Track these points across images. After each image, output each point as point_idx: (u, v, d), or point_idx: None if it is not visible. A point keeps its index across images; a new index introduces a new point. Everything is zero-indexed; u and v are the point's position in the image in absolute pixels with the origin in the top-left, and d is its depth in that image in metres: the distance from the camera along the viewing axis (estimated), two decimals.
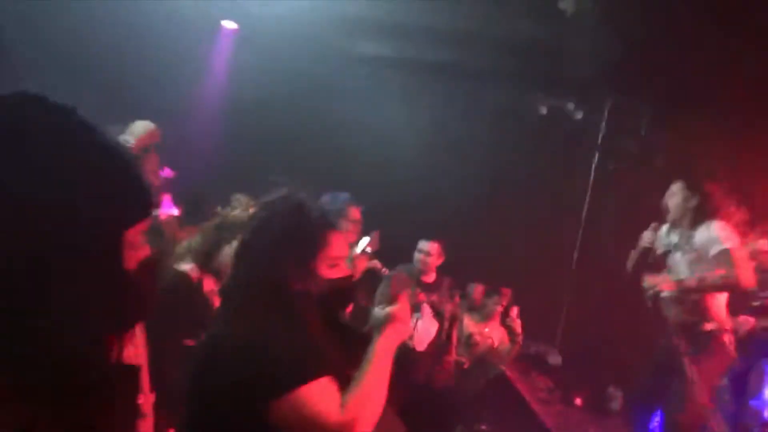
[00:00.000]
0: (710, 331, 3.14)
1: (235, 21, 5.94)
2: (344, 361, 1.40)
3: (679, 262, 3.30)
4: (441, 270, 4.38)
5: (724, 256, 3.02)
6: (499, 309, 4.73)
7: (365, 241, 3.10)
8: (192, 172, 5.44)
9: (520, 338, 4.72)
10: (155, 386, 1.82)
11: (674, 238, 3.38)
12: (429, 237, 4.30)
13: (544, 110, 5.83)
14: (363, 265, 3.04)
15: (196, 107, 6.02)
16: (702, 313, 3.20)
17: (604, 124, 5.58)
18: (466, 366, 4.24)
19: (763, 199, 4.75)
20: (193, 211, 3.45)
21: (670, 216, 3.36)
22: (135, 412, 1.97)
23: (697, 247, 3.19)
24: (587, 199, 5.59)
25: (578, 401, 5.12)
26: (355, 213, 3.31)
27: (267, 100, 5.84)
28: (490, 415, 3.50)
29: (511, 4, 5.03)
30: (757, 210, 4.40)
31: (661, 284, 3.20)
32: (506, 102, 6.15)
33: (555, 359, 5.48)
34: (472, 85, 6.27)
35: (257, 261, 1.39)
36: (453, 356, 4.33)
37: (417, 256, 4.25)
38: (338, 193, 3.37)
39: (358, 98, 6.31)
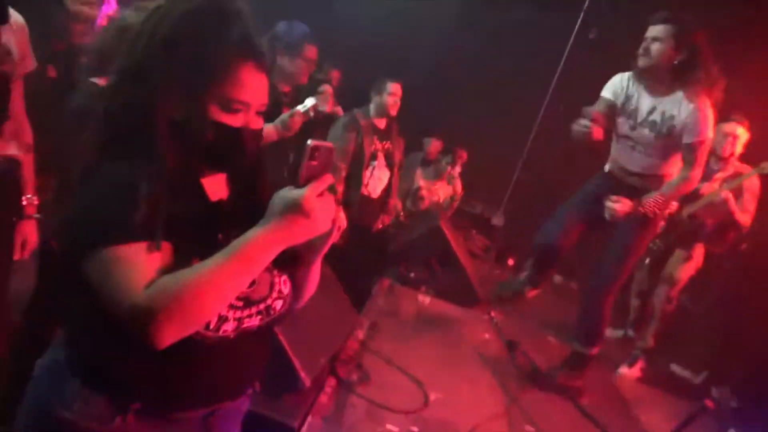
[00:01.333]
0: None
1: None
2: (216, 231, 1.09)
3: (649, 140, 2.81)
4: (397, 118, 4.28)
5: (698, 151, 2.69)
6: (456, 171, 4.78)
7: (310, 101, 2.61)
8: None
9: (459, 197, 4.89)
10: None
11: (641, 100, 2.82)
12: (393, 78, 3.99)
13: None
14: (297, 124, 2.71)
15: None
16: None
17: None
18: (403, 218, 4.36)
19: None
20: None
21: (646, 62, 2.70)
22: (16, 212, 1.82)
23: (673, 126, 2.72)
24: (559, 68, 5.42)
25: (510, 261, 5.43)
26: (310, 51, 2.84)
27: None
28: (420, 264, 3.66)
29: None
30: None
31: (644, 207, 2.80)
32: None
33: (498, 221, 5.69)
34: None
35: (129, 69, 1.05)
36: (395, 201, 4.44)
37: (382, 98, 3.95)
38: (297, 23, 2.86)
39: None
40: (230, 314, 1.09)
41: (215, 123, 1.05)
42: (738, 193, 3.74)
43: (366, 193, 4.03)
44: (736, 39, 5.00)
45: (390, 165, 4.09)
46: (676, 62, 2.68)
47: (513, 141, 5.77)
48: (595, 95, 3.05)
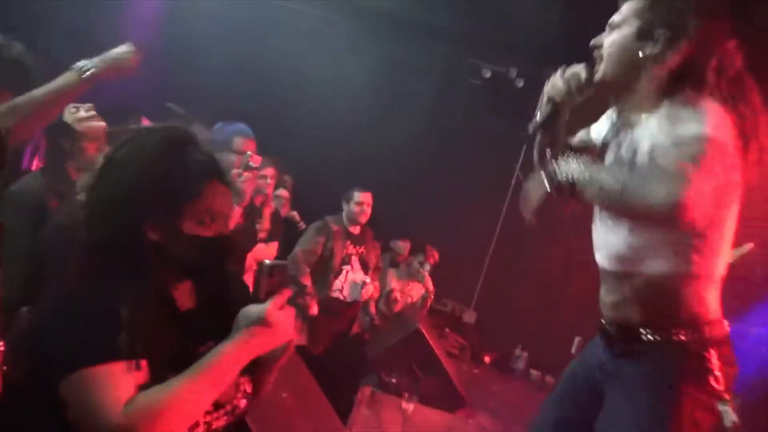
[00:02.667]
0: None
1: None
2: (188, 343, 1.17)
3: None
4: (370, 222, 4.36)
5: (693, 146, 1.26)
6: (426, 269, 4.82)
7: (247, 156, 2.58)
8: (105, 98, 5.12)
9: (432, 294, 4.91)
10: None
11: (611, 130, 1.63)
12: (353, 187, 4.19)
13: (487, 74, 5.82)
14: (251, 187, 2.70)
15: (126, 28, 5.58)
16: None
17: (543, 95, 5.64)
18: (377, 322, 4.34)
19: None
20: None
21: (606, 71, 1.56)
22: None
23: (651, 146, 1.41)
24: (518, 165, 5.70)
25: (487, 359, 5.37)
26: (241, 144, 2.71)
27: (197, 37, 5.48)
28: (401, 368, 3.57)
29: None
30: None
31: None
32: (452, 61, 6.09)
33: (470, 318, 5.68)
34: (419, 39, 6.15)
35: (106, 203, 1.13)
36: (372, 308, 4.42)
37: (350, 207, 4.12)
38: (233, 123, 2.82)
39: (296, 43, 6.08)
40: (201, 419, 1.15)
41: (192, 237, 1.15)
42: None
43: (341, 297, 4.02)
44: None
45: (365, 269, 4.13)
46: (641, 55, 1.49)
47: (479, 236, 5.92)
48: None
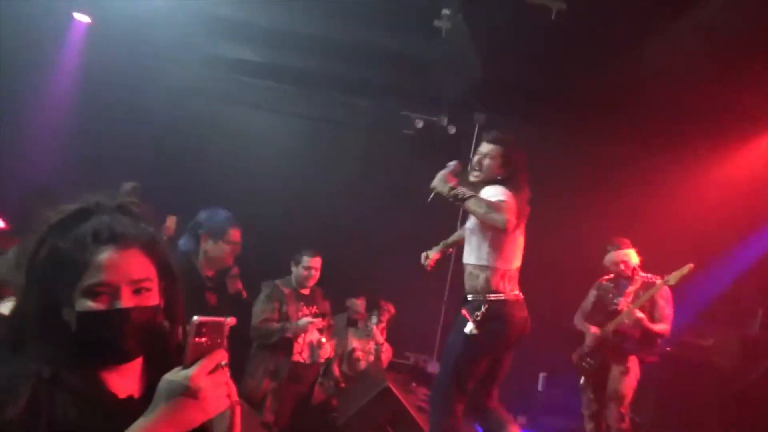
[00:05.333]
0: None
1: (89, 14, 5.41)
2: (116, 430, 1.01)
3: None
4: (320, 281, 4.30)
5: (497, 204, 2.82)
6: (382, 324, 4.74)
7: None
8: (38, 173, 4.91)
9: (384, 347, 4.83)
10: None
11: None
12: (301, 250, 4.19)
13: (419, 124, 5.96)
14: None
15: (43, 105, 5.41)
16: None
17: (475, 139, 5.83)
18: (342, 385, 4.24)
19: (618, 214, 5.23)
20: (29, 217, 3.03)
21: (477, 176, 3.07)
22: None
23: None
24: (461, 210, 5.78)
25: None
26: (234, 234, 2.91)
27: (124, 101, 5.39)
28: (373, 430, 3.43)
29: (388, 18, 5.10)
30: (612, 224, 4.82)
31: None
32: (382, 115, 6.22)
33: (434, 369, 5.57)
34: (348, 96, 6.28)
35: (19, 281, 1.08)
36: (336, 370, 4.29)
37: (298, 270, 4.12)
38: (217, 210, 2.95)
39: (223, 104, 6.08)
40: None
41: (81, 313, 1.05)
42: (653, 302, 4.02)
43: (301, 360, 3.95)
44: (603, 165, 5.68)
45: (320, 329, 4.06)
46: (499, 177, 3.01)
47: (432, 284, 5.89)
48: None
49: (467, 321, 2.93)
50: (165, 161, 5.67)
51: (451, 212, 6.05)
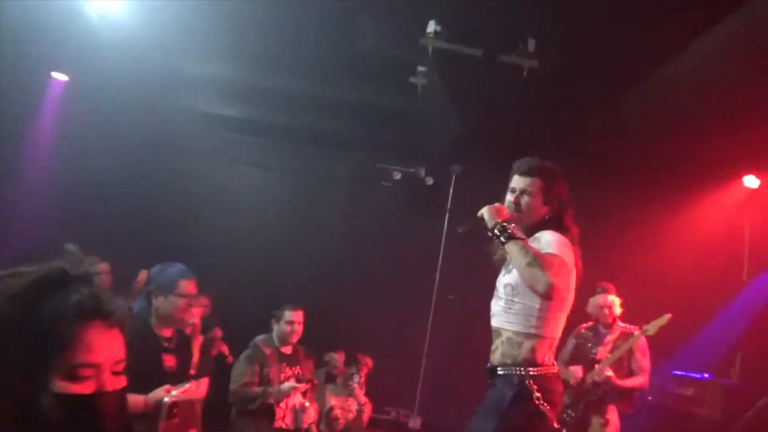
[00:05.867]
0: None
1: (67, 72, 5.44)
2: None
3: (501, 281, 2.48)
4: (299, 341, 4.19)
5: (547, 259, 2.19)
6: (361, 380, 4.64)
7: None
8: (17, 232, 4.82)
9: (366, 407, 4.70)
10: None
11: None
12: (281, 305, 4.01)
13: (397, 176, 6.03)
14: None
15: (22, 164, 5.37)
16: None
17: (452, 189, 5.90)
18: None
19: (593, 263, 5.27)
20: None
21: (516, 218, 2.41)
22: None
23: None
24: (440, 261, 5.79)
25: None
26: (188, 287, 2.69)
27: (101, 158, 5.36)
28: None
29: (366, 75, 5.21)
30: (587, 273, 4.85)
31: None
32: (361, 167, 6.29)
33: (415, 424, 5.46)
34: (327, 149, 6.35)
35: None
36: (314, 430, 4.14)
37: (280, 327, 3.92)
38: (171, 264, 2.77)
39: (205, 160, 6.11)
40: None
41: (61, 396, 0.94)
42: (630, 354, 4.03)
43: (283, 426, 3.72)
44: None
45: (304, 393, 3.88)
46: (546, 218, 2.43)
47: (412, 336, 5.83)
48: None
49: (507, 400, 2.28)
50: (144, 216, 5.61)
51: (431, 263, 6.07)
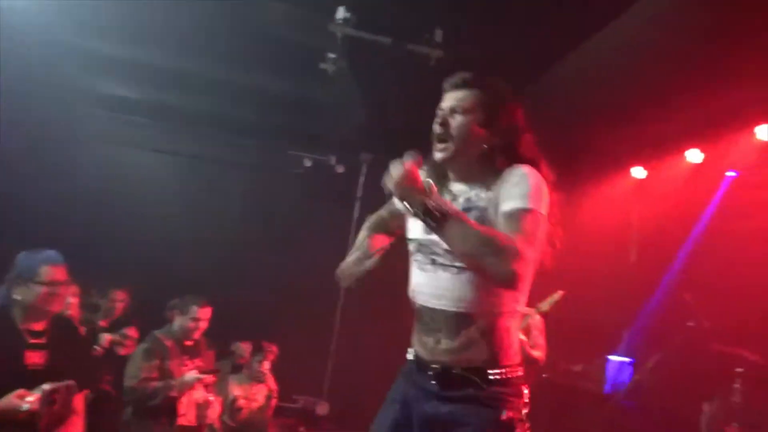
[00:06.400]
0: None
1: None
2: None
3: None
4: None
5: (522, 220, 1.55)
6: (265, 367, 4.58)
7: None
8: None
9: (275, 393, 4.65)
10: None
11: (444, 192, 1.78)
12: (187, 298, 3.79)
13: (308, 163, 5.97)
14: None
15: None
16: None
17: (362, 177, 5.93)
18: None
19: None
20: None
21: (444, 152, 1.73)
22: None
23: (485, 208, 1.67)
24: (348, 248, 5.80)
25: None
26: (50, 273, 2.44)
27: None
28: None
29: (275, 60, 5.10)
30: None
31: None
32: (271, 154, 6.18)
33: (323, 410, 5.47)
34: (235, 135, 6.17)
35: None
36: (217, 422, 4.04)
37: (184, 321, 3.69)
38: (36, 251, 2.51)
39: (101, 145, 5.76)
40: None
41: None
42: (527, 331, 4.23)
43: (185, 423, 3.58)
44: None
45: (206, 386, 3.76)
46: (490, 148, 1.72)
47: (320, 323, 5.82)
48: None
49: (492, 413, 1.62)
50: (33, 202, 5.19)
51: (341, 251, 6.06)
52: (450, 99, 1.77)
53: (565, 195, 1.82)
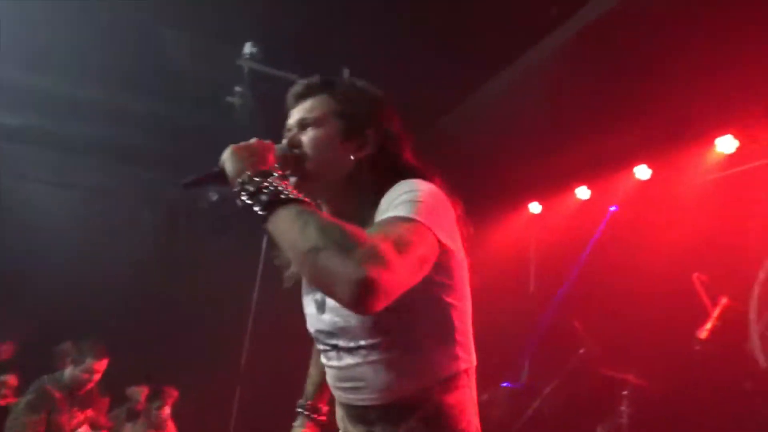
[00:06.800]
0: None
1: None
2: None
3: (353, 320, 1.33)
4: None
5: (395, 223, 1.11)
6: (165, 413, 4.34)
7: None
8: None
9: None
10: None
11: None
12: (82, 347, 3.52)
13: (214, 197, 5.84)
14: None
15: None
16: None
17: None
18: None
19: None
20: None
21: (299, 174, 1.36)
22: None
23: None
24: (257, 283, 5.69)
25: None
26: None
27: None
28: None
29: (180, 91, 4.99)
30: None
31: None
32: (174, 187, 5.97)
33: None
34: (139, 168, 5.92)
35: None
36: None
37: (76, 372, 3.43)
38: None
39: None
40: None
41: None
42: None
43: None
44: None
45: None
46: (360, 163, 1.36)
47: (226, 362, 5.61)
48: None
49: None
50: None
51: (248, 285, 5.93)
52: (297, 112, 1.40)
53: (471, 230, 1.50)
